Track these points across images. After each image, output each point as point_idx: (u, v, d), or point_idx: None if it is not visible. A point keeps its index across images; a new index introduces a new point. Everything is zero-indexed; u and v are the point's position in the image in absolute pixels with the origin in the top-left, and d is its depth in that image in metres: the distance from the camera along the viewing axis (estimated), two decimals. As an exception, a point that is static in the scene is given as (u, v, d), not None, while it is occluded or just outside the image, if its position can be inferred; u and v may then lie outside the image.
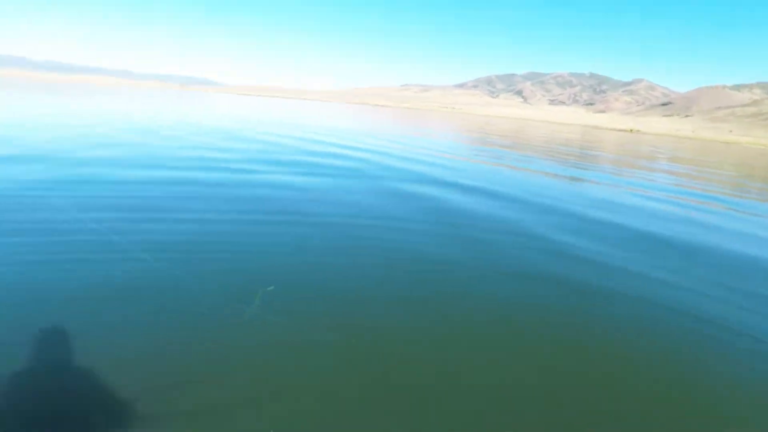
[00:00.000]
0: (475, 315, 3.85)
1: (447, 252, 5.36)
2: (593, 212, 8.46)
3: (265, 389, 2.70)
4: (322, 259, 4.79)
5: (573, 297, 4.37)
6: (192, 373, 2.77)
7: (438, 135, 32.08)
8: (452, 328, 3.60)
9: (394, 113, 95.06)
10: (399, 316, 3.69)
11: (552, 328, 3.74)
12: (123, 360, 2.82)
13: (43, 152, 9.85)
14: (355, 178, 10.03)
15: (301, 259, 4.73)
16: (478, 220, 7.06)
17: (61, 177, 7.49)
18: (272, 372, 2.85)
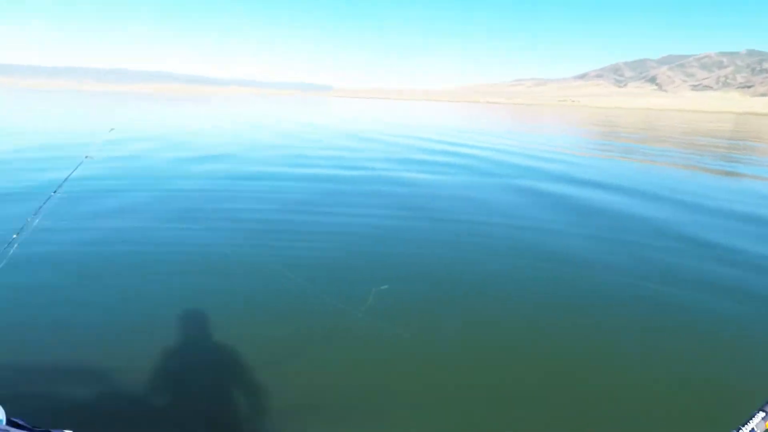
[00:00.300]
0: (625, 326, 3.50)
1: (581, 253, 5.04)
2: (757, 210, 7.45)
3: (371, 390, 2.64)
4: (440, 256, 4.82)
5: (739, 309, 3.94)
6: (299, 362, 2.86)
7: (551, 130, 30.40)
8: (593, 335, 3.42)
9: (506, 110, 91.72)
10: (533, 322, 3.51)
11: (722, 341, 3.45)
12: (250, 341, 3.03)
13: (219, 153, 11.98)
14: (474, 175, 10.17)
15: (420, 254, 4.83)
16: (605, 218, 6.67)
17: (239, 174, 9.08)
18: (375, 372, 2.80)
